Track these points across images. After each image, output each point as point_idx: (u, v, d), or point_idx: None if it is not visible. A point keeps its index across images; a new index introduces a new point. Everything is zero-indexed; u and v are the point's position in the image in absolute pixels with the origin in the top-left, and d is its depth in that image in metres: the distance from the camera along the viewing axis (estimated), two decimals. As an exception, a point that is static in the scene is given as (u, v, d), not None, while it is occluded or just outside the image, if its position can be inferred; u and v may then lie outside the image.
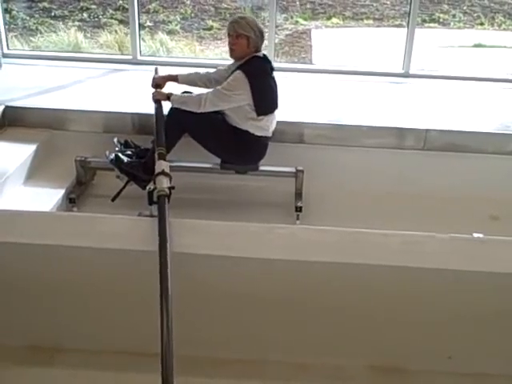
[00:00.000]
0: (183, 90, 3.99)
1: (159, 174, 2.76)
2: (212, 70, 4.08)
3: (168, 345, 1.92)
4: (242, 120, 3.76)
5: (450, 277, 2.21)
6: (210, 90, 3.79)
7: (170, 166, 2.96)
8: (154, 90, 3.97)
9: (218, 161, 3.93)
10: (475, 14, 8.35)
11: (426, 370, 2.39)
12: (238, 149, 3.83)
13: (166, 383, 1.83)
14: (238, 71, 3.70)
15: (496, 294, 2.24)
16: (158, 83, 4.03)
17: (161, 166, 2.89)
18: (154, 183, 2.73)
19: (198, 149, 3.83)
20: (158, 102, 3.87)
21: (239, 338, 2.37)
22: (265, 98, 3.79)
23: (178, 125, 3.75)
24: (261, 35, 3.79)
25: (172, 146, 3.70)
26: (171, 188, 2.64)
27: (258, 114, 3.75)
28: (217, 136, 3.82)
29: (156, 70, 4.24)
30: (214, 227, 2.39)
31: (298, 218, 3.87)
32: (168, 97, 3.83)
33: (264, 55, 3.88)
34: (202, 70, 4.11)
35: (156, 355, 2.38)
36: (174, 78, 4.06)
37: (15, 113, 4.32)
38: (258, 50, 3.82)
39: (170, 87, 4.03)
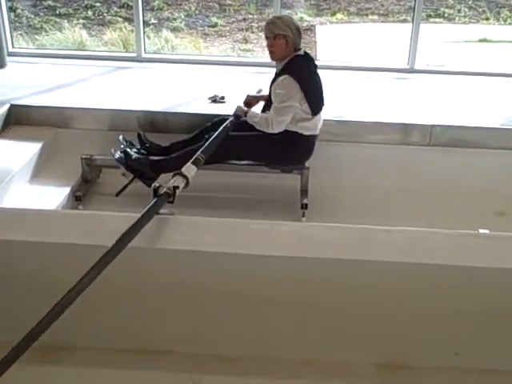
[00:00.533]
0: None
1: (178, 174, 2.72)
2: None
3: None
4: (293, 123, 3.73)
5: (455, 273, 2.20)
6: None
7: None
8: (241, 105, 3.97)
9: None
10: (480, 9, 8.32)
11: (432, 367, 2.38)
12: (287, 151, 3.79)
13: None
14: (284, 76, 3.65)
15: (502, 290, 2.23)
16: (249, 101, 4.04)
17: (188, 169, 2.83)
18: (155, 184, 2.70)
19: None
20: (236, 117, 3.86)
21: (242, 335, 2.37)
22: (315, 97, 3.77)
23: (227, 154, 3.77)
24: (298, 32, 3.74)
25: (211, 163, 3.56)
26: (176, 188, 2.61)
27: (314, 114, 3.72)
28: (265, 152, 3.81)
29: (259, 90, 4.20)
30: (217, 224, 2.39)
31: (303, 215, 3.87)
32: (246, 113, 3.86)
33: (305, 53, 3.83)
34: None
35: (162, 353, 2.40)
36: (265, 99, 4.00)
37: (20, 111, 4.33)
38: (298, 47, 3.77)
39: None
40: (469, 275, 2.21)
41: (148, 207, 2.32)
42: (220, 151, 3.60)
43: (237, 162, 3.92)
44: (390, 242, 2.30)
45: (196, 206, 3.53)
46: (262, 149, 3.79)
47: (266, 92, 4.01)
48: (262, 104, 4.01)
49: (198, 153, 3.15)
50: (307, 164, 3.93)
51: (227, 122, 3.77)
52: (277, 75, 3.77)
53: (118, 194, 3.73)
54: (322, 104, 3.84)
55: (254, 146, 3.78)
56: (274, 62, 3.86)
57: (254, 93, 4.18)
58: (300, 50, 3.79)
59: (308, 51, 3.87)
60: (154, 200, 2.43)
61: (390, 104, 4.65)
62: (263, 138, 3.76)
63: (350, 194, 3.98)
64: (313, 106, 3.70)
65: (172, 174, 2.74)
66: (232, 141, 3.72)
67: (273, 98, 3.74)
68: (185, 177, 2.70)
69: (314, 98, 3.74)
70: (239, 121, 3.83)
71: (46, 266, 2.32)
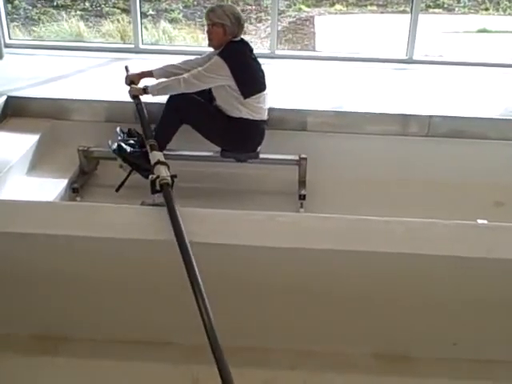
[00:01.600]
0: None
1: (156, 163, 2.81)
2: (189, 58, 4.06)
3: (213, 335, 1.96)
4: (232, 106, 3.77)
5: (454, 263, 2.20)
6: None
7: (171, 155, 2.98)
8: (128, 87, 3.99)
9: (219, 149, 3.92)
10: (480, -1, 8.29)
11: (430, 358, 2.38)
12: (234, 136, 3.84)
13: (223, 373, 1.86)
14: (215, 57, 3.71)
15: (500, 280, 2.23)
16: (131, 80, 4.03)
17: (155, 156, 2.96)
18: (153, 173, 2.75)
19: (199, 138, 3.83)
20: (135, 97, 3.92)
21: (243, 326, 2.37)
22: (248, 79, 3.78)
23: (175, 115, 3.78)
24: (238, 22, 3.76)
25: (172, 134, 3.78)
26: (173, 176, 2.66)
27: (245, 96, 3.73)
28: (213, 124, 3.83)
29: (126, 68, 4.21)
30: (216, 215, 2.39)
31: (301, 206, 3.86)
32: (144, 90, 3.87)
33: (241, 39, 3.85)
34: (176, 62, 4.07)
35: (161, 344, 2.40)
36: (148, 74, 4.05)
37: (18, 103, 4.31)
38: (236, 37, 3.79)
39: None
40: (467, 265, 2.21)
41: (166, 202, 2.40)
42: (178, 110, 3.77)
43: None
44: (389, 232, 2.30)
45: (194, 197, 3.53)
46: (213, 126, 3.83)
47: (133, 70, 4.12)
48: (144, 80, 4.04)
49: (146, 141, 3.41)
50: (304, 155, 3.92)
51: (135, 106, 3.87)
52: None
53: (117, 189, 3.73)
54: (261, 89, 3.84)
55: (208, 116, 3.82)
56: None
57: (129, 72, 4.17)
58: (237, 37, 3.81)
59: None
60: (164, 193, 2.53)
61: (388, 95, 4.64)
62: (213, 116, 3.81)
63: (348, 184, 3.97)
64: (244, 89, 3.72)
65: (152, 165, 2.88)
66: (190, 102, 3.77)
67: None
68: (163, 163, 2.85)
69: (246, 81, 3.75)
70: (140, 100, 3.89)
71: (44, 257, 2.32)
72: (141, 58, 5.34)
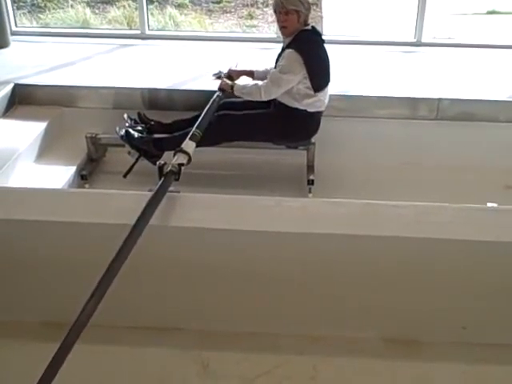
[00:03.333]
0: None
1: (180, 151, 2.77)
2: None
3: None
4: (297, 99, 3.69)
5: (463, 247, 2.20)
6: None
7: None
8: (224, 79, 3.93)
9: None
10: (489, -20, 8.19)
11: (439, 342, 2.38)
12: (291, 128, 3.76)
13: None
14: (289, 50, 3.61)
15: (510, 264, 2.22)
16: (230, 75, 4.00)
17: (187, 145, 2.90)
18: (160, 162, 2.74)
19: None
20: (222, 90, 3.83)
21: (251, 312, 2.37)
22: (319, 73, 3.71)
23: (220, 133, 3.70)
24: (309, 7, 3.68)
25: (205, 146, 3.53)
26: (181, 165, 2.63)
27: (316, 91, 3.67)
28: (268, 131, 3.77)
29: (237, 64, 4.16)
30: (223, 201, 2.38)
31: (310, 191, 3.86)
32: (232, 87, 3.80)
33: (313, 27, 3.75)
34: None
35: (170, 330, 2.41)
36: (249, 73, 4.00)
37: (25, 91, 4.32)
38: (307, 22, 3.70)
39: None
40: (477, 249, 2.20)
41: (158, 186, 2.34)
42: (221, 132, 3.65)
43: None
44: (398, 216, 2.29)
45: (202, 183, 3.53)
46: (265, 127, 3.76)
47: (242, 66, 4.05)
48: (244, 79, 3.99)
49: (194, 129, 3.22)
50: (313, 140, 3.90)
51: (214, 96, 3.76)
52: (283, 49, 3.72)
53: (125, 175, 3.73)
54: (328, 81, 3.78)
55: (257, 124, 3.76)
56: (282, 37, 3.80)
57: (234, 67, 4.14)
58: (308, 24, 3.72)
59: (314, 25, 3.81)
60: (162, 179, 2.45)
61: (396, 78, 4.61)
62: (265, 115, 3.75)
63: (356, 169, 3.96)
64: (315, 83, 3.65)
65: (173, 151, 2.80)
66: (232, 121, 3.72)
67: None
68: (186, 153, 2.76)
69: (318, 75, 3.68)
70: (226, 95, 3.82)
71: (53, 244, 2.33)
72: (147, 44, 5.33)
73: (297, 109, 3.70)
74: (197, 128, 3.25)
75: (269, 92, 3.64)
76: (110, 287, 2.36)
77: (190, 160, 2.77)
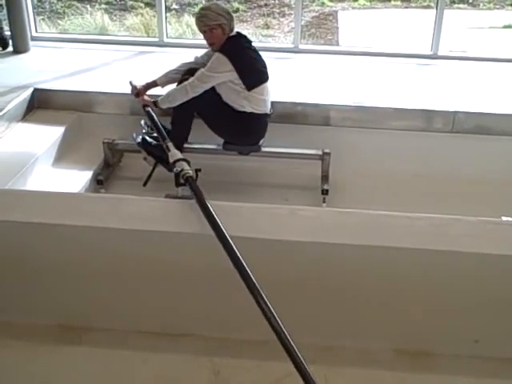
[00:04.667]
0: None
1: (176, 161, 2.82)
2: (187, 61, 4.06)
3: (280, 330, 1.97)
4: (235, 101, 3.75)
5: (477, 260, 2.19)
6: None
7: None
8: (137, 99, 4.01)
9: (221, 142, 3.95)
10: (506, -5, 8.19)
11: (451, 354, 2.37)
12: (238, 129, 3.84)
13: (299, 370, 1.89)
14: (216, 53, 3.70)
15: (524, 278, 2.22)
16: (138, 93, 4.04)
17: (175, 154, 2.96)
18: (177, 168, 2.77)
19: (206, 131, 3.86)
20: (145, 106, 3.92)
21: (263, 320, 2.38)
22: (250, 71, 3.76)
23: (187, 104, 3.76)
24: (230, 16, 3.76)
25: (187, 129, 3.81)
26: (198, 170, 2.66)
27: (249, 89, 3.72)
28: (220, 115, 3.83)
29: (131, 82, 4.16)
30: (238, 209, 2.40)
31: (324, 201, 3.86)
32: (155, 103, 3.89)
33: (237, 32, 3.84)
34: (175, 66, 4.07)
35: (182, 335, 2.42)
36: (153, 84, 4.05)
37: (44, 95, 4.37)
38: (232, 30, 3.79)
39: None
40: (491, 263, 2.20)
41: (195, 196, 2.41)
42: (187, 104, 3.74)
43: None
44: (412, 228, 2.29)
45: (216, 191, 3.53)
46: (220, 118, 3.84)
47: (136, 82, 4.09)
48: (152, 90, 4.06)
49: (163, 143, 3.36)
50: (328, 150, 3.91)
51: (149, 111, 3.87)
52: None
53: (145, 184, 3.75)
54: (263, 79, 3.82)
55: (216, 109, 3.81)
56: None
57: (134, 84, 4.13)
58: (232, 30, 3.79)
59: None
60: (192, 187, 2.52)
61: (412, 90, 4.61)
62: (221, 107, 3.79)
63: (371, 180, 3.96)
64: (247, 81, 3.70)
65: (172, 163, 2.85)
66: (202, 98, 3.76)
67: None
68: (186, 160, 2.82)
69: (248, 73, 3.72)
70: (150, 111, 3.88)
71: (69, 248, 2.35)
72: (165, 52, 5.37)
73: (238, 110, 3.76)
74: (164, 140, 3.38)
75: (194, 87, 3.70)
76: (127, 292, 2.39)
77: (189, 163, 2.83)
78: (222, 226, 2.17)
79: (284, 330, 1.94)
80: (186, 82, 3.75)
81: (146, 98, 3.99)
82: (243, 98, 3.74)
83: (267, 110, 3.87)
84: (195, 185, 2.53)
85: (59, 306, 2.47)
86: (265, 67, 3.86)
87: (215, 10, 3.72)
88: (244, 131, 3.86)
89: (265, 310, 1.99)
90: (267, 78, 3.85)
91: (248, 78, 3.71)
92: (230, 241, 2.12)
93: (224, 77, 3.69)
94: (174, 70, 4.03)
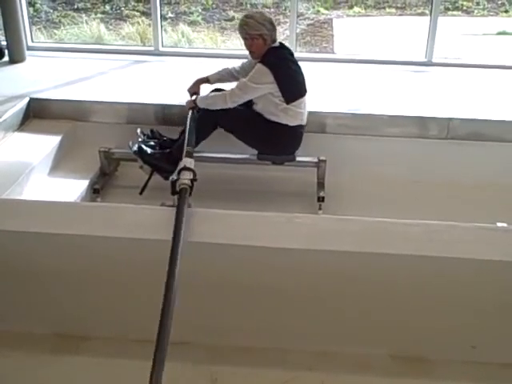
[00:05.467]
0: (212, 89, 4.01)
1: (183, 169, 2.76)
2: (238, 64, 4.07)
3: (166, 330, 1.94)
4: (274, 111, 3.75)
5: (473, 266, 2.20)
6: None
7: (204, 157, 3.13)
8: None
9: (254, 152, 3.94)
10: (499, 2, 8.24)
11: (448, 360, 2.38)
12: (273, 140, 3.82)
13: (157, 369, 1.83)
14: (258, 64, 3.70)
15: (520, 284, 2.23)
16: (194, 92, 4.04)
17: (185, 162, 2.88)
18: (178, 176, 2.75)
19: (231, 140, 3.86)
20: (190, 109, 3.89)
21: (260, 327, 2.38)
22: (291, 84, 3.77)
23: (210, 121, 3.78)
24: (272, 27, 3.75)
25: (202, 139, 3.75)
26: (193, 180, 2.64)
27: (288, 102, 3.73)
28: (251, 129, 3.83)
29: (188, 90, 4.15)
30: (235, 217, 2.40)
31: (320, 208, 3.87)
32: (194, 101, 3.88)
33: (280, 43, 3.85)
34: (230, 65, 4.10)
35: (180, 344, 2.42)
36: (205, 80, 4.07)
37: (40, 104, 4.38)
38: (275, 41, 3.79)
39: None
40: (487, 268, 2.20)
41: (178, 204, 2.37)
42: (212, 116, 3.76)
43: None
44: (408, 234, 2.30)
45: (213, 198, 3.54)
46: (250, 130, 3.84)
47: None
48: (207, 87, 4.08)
49: (185, 147, 3.27)
50: (323, 157, 3.92)
51: (189, 116, 3.82)
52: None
53: (141, 192, 3.76)
54: (302, 93, 3.84)
55: (245, 128, 3.82)
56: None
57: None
58: (275, 41, 3.80)
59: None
60: (180, 196, 2.47)
61: (407, 97, 4.63)
62: (251, 120, 3.80)
63: (366, 187, 3.97)
64: (286, 94, 3.71)
65: (177, 170, 2.78)
66: (224, 109, 3.76)
67: None
68: (191, 170, 2.73)
69: (289, 87, 3.74)
70: (195, 112, 3.86)
71: (65, 257, 2.35)
72: (161, 61, 5.39)
73: (275, 121, 3.76)
74: (188, 146, 3.30)
75: (234, 97, 3.72)
76: (124, 300, 2.39)
77: (195, 175, 2.74)
78: (182, 236, 2.16)
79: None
80: (226, 91, 3.77)
81: (191, 99, 3.97)
82: (280, 111, 3.75)
83: (303, 122, 3.87)
84: (184, 195, 2.50)
85: (56, 314, 2.47)
86: (304, 81, 3.86)
87: (258, 19, 3.72)
88: (279, 142, 3.85)
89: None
90: (306, 91, 3.86)
91: (288, 91, 3.72)
92: (179, 252, 2.11)
93: (265, 88, 3.69)
94: (226, 68, 4.06)
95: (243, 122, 3.81)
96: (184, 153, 3.16)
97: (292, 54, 3.89)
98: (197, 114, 3.83)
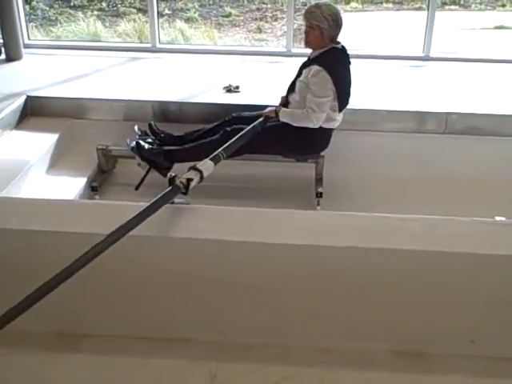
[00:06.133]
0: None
1: (195, 169, 2.67)
2: None
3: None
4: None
5: (471, 260, 2.20)
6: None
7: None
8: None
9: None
10: (497, -4, 8.23)
11: (448, 355, 2.38)
12: (305, 143, 3.76)
13: None
14: (318, 68, 3.59)
15: (519, 278, 2.23)
16: (282, 103, 3.94)
17: (205, 165, 2.78)
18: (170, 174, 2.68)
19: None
20: (267, 118, 3.80)
21: (259, 323, 2.38)
22: (345, 93, 3.74)
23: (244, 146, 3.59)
24: (336, 25, 3.62)
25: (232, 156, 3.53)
26: (189, 180, 2.58)
27: (340, 110, 3.71)
28: (282, 144, 3.79)
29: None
30: (233, 213, 2.40)
31: (318, 204, 3.87)
32: (276, 112, 3.75)
33: (343, 47, 3.75)
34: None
35: (179, 341, 2.42)
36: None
37: (37, 102, 4.37)
38: (335, 39, 3.70)
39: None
40: (486, 262, 2.21)
41: (157, 197, 2.33)
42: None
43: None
44: (406, 229, 2.30)
45: (211, 195, 3.54)
46: (278, 140, 3.77)
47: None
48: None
49: (220, 150, 3.08)
50: (322, 153, 3.92)
51: (256, 122, 3.70)
52: (309, 61, 3.72)
53: (137, 188, 3.76)
54: (348, 100, 3.81)
55: (270, 137, 3.75)
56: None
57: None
58: (338, 42, 3.72)
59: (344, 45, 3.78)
60: (166, 191, 2.43)
61: (405, 92, 4.63)
62: (279, 129, 3.74)
63: (365, 182, 3.97)
64: (341, 103, 3.69)
65: (188, 167, 2.70)
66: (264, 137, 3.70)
67: (301, 85, 3.71)
68: (199, 171, 2.66)
69: (343, 95, 3.71)
70: (268, 121, 3.76)
71: (63, 255, 2.34)
72: (158, 58, 5.38)
73: (308, 128, 3.69)
74: (223, 150, 3.11)
75: (318, 119, 3.63)
76: (122, 298, 2.39)
77: (201, 178, 2.66)
78: (129, 230, 2.12)
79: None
80: (310, 112, 3.61)
81: (273, 107, 3.82)
82: (332, 116, 3.71)
83: (336, 126, 3.83)
84: (173, 192, 2.45)
85: (55, 313, 2.47)
86: (350, 88, 3.80)
87: (323, 11, 3.59)
88: (312, 145, 3.81)
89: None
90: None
91: (342, 100, 3.70)
92: (102, 247, 2.08)
93: (330, 96, 3.62)
94: None
95: (276, 140, 3.74)
96: (213, 155, 2.99)
97: (349, 62, 3.80)
98: (264, 126, 3.73)
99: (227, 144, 3.27)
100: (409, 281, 2.25)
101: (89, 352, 2.42)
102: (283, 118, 3.72)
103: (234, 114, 3.92)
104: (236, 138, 3.43)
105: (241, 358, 2.36)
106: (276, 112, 3.76)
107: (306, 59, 3.80)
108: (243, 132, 3.54)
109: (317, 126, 3.65)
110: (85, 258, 2.03)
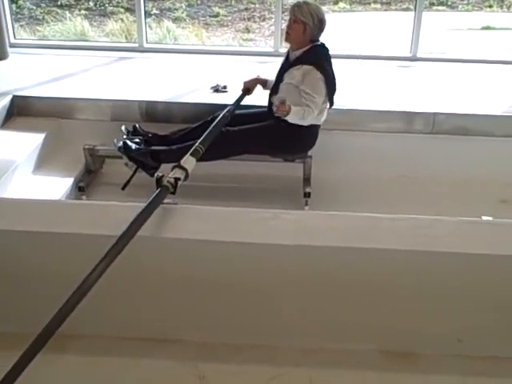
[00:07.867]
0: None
1: (179, 166, 2.68)
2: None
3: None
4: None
5: (458, 260, 2.21)
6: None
7: None
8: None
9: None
10: (483, -4, 8.28)
11: (436, 354, 2.39)
12: (292, 142, 3.75)
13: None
14: (310, 67, 3.57)
15: (505, 277, 2.24)
16: (248, 87, 3.96)
17: (187, 161, 2.78)
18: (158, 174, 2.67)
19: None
20: (248, 90, 3.80)
21: (248, 324, 2.38)
22: (333, 87, 3.73)
23: (222, 148, 3.61)
24: (319, 25, 3.62)
25: (214, 159, 3.59)
26: (177, 179, 2.58)
27: (331, 105, 3.72)
28: (269, 144, 3.77)
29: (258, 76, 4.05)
30: (221, 213, 2.40)
31: (306, 204, 3.87)
32: (288, 113, 3.50)
33: (322, 43, 3.74)
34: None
35: (168, 341, 2.42)
36: (263, 82, 3.97)
37: (23, 102, 4.34)
38: (314, 39, 3.68)
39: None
40: (472, 262, 2.22)
41: (151, 199, 2.32)
42: (223, 148, 3.60)
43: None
44: (394, 229, 2.30)
45: (199, 195, 3.54)
46: (266, 141, 3.75)
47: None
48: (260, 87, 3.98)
49: (197, 144, 3.08)
50: (309, 153, 3.92)
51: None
52: (292, 62, 3.70)
53: (124, 188, 3.73)
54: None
55: (257, 138, 3.74)
56: (287, 48, 3.81)
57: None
58: (318, 41, 3.71)
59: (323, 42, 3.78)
60: (156, 192, 2.42)
61: (392, 92, 4.64)
62: (266, 130, 3.73)
63: (352, 182, 3.97)
64: (331, 98, 3.70)
65: (172, 166, 2.71)
66: (234, 137, 3.69)
67: (289, 87, 3.66)
68: (184, 169, 2.67)
69: (333, 89, 3.71)
70: (279, 120, 3.63)
71: (50, 256, 2.33)
72: (145, 57, 5.36)
73: (297, 125, 3.65)
74: (200, 143, 3.09)
75: (311, 118, 3.62)
76: (109, 297, 2.37)
77: (187, 176, 2.67)
78: (135, 233, 2.11)
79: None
80: (312, 106, 3.56)
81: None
82: (322, 112, 3.72)
83: (321, 122, 3.81)
84: (163, 192, 2.44)
85: (41, 313, 2.45)
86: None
87: (311, 9, 3.59)
88: (299, 144, 3.81)
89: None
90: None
91: (332, 95, 3.69)
92: (120, 249, 2.06)
93: (323, 92, 3.61)
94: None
95: (263, 139, 3.73)
96: (192, 150, 2.96)
97: (330, 57, 3.78)
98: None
99: (203, 137, 3.23)
100: (396, 280, 2.26)
101: (76, 353, 2.41)
102: (292, 115, 3.54)
103: (217, 113, 3.83)
104: (209, 129, 3.38)
105: (229, 359, 2.36)
106: (288, 111, 3.51)
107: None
108: (215, 123, 3.50)
109: (306, 123, 3.64)
110: (102, 266, 2.02)
